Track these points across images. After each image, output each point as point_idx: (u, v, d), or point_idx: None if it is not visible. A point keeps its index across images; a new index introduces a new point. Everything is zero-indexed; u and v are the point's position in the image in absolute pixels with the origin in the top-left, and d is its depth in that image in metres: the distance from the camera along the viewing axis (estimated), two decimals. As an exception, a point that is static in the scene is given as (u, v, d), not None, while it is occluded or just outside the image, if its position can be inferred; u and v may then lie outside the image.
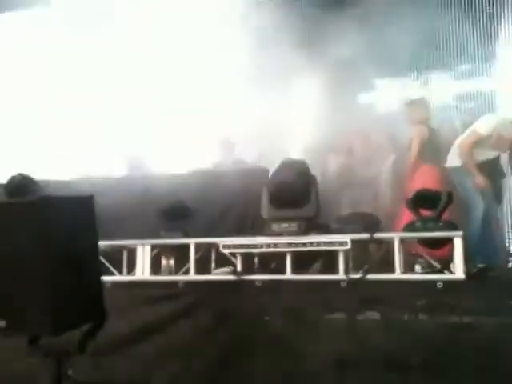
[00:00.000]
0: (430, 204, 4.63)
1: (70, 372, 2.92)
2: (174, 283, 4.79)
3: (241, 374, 3.81)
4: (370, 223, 4.95)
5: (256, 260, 4.94)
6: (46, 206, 2.91)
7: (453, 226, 4.51)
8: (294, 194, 5.02)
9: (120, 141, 7.14)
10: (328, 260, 4.75)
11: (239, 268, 4.75)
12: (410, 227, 4.66)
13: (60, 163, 7.38)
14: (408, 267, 4.64)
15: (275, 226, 4.91)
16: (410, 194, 4.84)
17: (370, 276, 4.45)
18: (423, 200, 4.67)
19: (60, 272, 2.89)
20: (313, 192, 5.10)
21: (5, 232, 2.85)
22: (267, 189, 5.12)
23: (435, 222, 4.54)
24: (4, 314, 2.80)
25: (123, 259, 5.25)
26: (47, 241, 2.85)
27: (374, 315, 4.26)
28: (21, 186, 5.36)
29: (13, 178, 5.50)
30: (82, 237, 3.10)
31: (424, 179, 5.23)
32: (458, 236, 4.37)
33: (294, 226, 4.84)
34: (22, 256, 2.82)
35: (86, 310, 3.06)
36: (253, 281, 4.64)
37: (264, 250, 4.74)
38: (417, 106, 5.61)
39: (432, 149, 5.44)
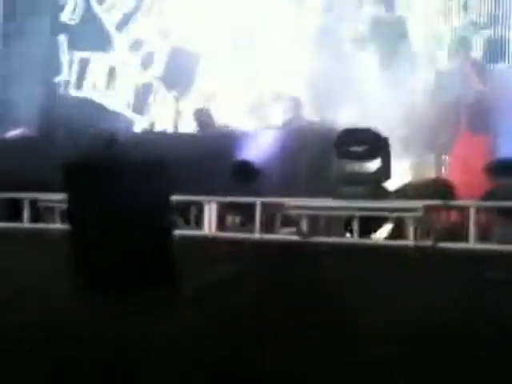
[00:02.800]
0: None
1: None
2: (240, 241, 4.80)
3: (297, 336, 3.78)
4: (443, 190, 4.74)
5: (322, 222, 4.87)
6: (125, 168, 2.97)
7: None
8: (364, 157, 4.89)
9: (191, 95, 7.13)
10: (397, 226, 4.61)
11: (305, 229, 4.71)
12: (488, 196, 4.43)
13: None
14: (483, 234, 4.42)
15: (344, 189, 4.80)
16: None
17: (441, 244, 4.29)
18: (505, 168, 4.41)
19: (136, 233, 2.95)
20: (384, 153, 4.93)
21: (89, 190, 2.93)
22: (336, 146, 4.99)
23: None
24: (85, 272, 2.90)
25: (191, 215, 5.33)
26: (124, 199, 2.91)
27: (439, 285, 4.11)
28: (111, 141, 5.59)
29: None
30: (159, 198, 3.14)
31: None
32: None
33: (363, 189, 4.71)
34: (104, 212, 2.89)
35: (159, 272, 3.12)
36: (317, 243, 4.58)
37: (332, 212, 4.66)
38: None
39: None
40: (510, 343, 3.13)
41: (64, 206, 4.37)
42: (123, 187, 2.92)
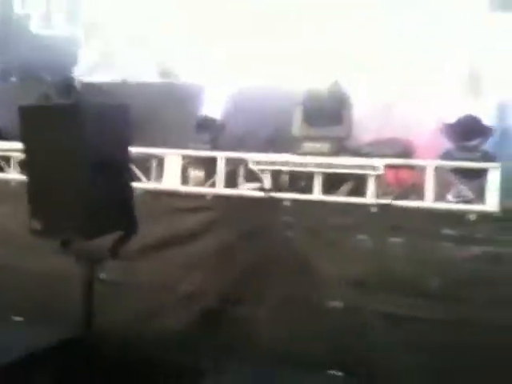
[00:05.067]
0: (471, 133, 4.47)
1: (102, 275, 2.98)
2: (202, 195, 4.79)
3: (259, 292, 3.87)
4: (404, 149, 4.84)
5: (284, 178, 4.89)
6: (82, 111, 2.88)
7: (490, 157, 4.38)
8: (327, 112, 4.91)
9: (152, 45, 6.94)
10: (358, 184, 4.68)
11: (267, 185, 4.72)
12: (445, 156, 4.54)
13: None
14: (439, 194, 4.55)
15: (306, 146, 4.83)
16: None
17: (400, 202, 4.39)
18: (463, 128, 4.52)
19: (94, 177, 2.89)
20: (346, 112, 4.97)
21: (43, 134, 2.83)
22: (301, 106, 5.00)
23: (473, 153, 4.41)
24: (40, 216, 2.84)
25: (152, 167, 5.26)
26: (82, 146, 2.84)
27: (399, 241, 4.26)
28: (67, 87, 5.37)
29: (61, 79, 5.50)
30: (117, 144, 3.08)
31: None
32: (493, 167, 4.24)
33: (325, 146, 4.75)
34: (60, 159, 2.82)
35: (117, 217, 3.08)
36: (280, 199, 4.62)
37: (293, 168, 4.68)
38: None
39: None
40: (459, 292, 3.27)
41: (21, 155, 4.23)
42: (82, 131, 2.85)
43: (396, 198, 4.40)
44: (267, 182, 4.73)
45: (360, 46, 6.20)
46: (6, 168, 5.33)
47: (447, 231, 3.99)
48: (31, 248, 3.50)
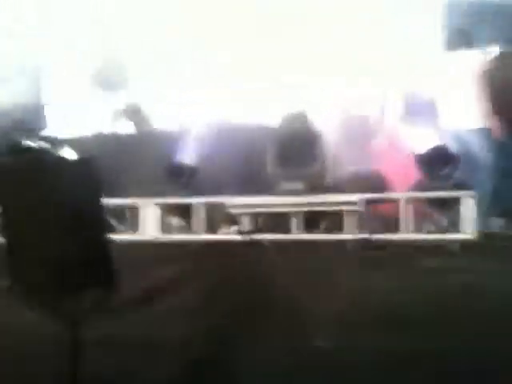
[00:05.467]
0: (442, 163, 4.56)
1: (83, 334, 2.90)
2: (181, 243, 4.76)
3: (247, 335, 3.83)
4: (378, 182, 4.90)
5: (261, 220, 4.91)
6: (46, 167, 2.86)
7: (464, 185, 4.45)
8: (300, 152, 4.97)
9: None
10: (335, 219, 4.71)
11: (246, 228, 4.72)
12: (418, 187, 4.61)
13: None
14: (416, 225, 4.61)
15: (281, 185, 4.87)
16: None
17: (377, 236, 4.43)
18: (435, 158, 4.60)
19: (66, 234, 2.85)
20: (318, 149, 5.04)
21: (11, 192, 2.80)
22: (272, 146, 5.06)
23: (445, 182, 4.49)
24: (13, 274, 2.78)
25: (127, 218, 5.23)
26: (50, 201, 2.80)
27: (380, 275, 4.26)
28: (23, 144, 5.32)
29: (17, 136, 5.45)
30: (87, 197, 3.04)
31: None
32: (468, 196, 4.32)
33: (301, 185, 4.79)
34: (30, 216, 2.78)
35: (94, 273, 3.03)
36: (259, 241, 4.62)
37: (271, 210, 4.70)
38: None
39: None
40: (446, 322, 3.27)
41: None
42: (53, 188, 2.83)
43: (373, 232, 4.44)
44: (246, 225, 4.74)
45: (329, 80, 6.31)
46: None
47: (426, 262, 4.02)
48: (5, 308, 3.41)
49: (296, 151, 5.02)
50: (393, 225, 4.56)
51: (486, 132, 4.98)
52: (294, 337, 3.90)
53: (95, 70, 7.00)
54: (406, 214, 4.44)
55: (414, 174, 4.88)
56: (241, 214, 4.75)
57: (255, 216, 4.81)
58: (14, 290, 2.93)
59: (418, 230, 4.57)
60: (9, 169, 3.14)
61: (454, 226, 4.39)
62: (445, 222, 4.49)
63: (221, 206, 4.92)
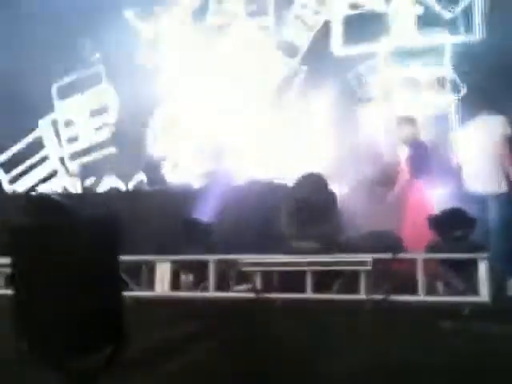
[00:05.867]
0: (456, 224, 4.55)
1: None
2: (194, 300, 4.75)
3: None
4: (392, 242, 4.88)
5: (274, 278, 4.89)
6: (71, 229, 2.92)
7: (479, 247, 4.42)
8: (314, 211, 4.99)
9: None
10: (350, 278, 4.68)
11: (259, 286, 4.71)
12: (432, 248, 4.59)
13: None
14: (430, 286, 4.56)
15: (296, 244, 4.87)
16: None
17: (393, 297, 4.38)
18: (449, 220, 4.60)
19: (83, 292, 2.87)
20: (333, 209, 5.06)
21: (33, 252, 2.85)
22: (286, 205, 5.09)
23: (459, 243, 4.46)
24: (27, 336, 2.79)
25: (142, 274, 5.24)
26: (71, 261, 2.84)
27: (394, 336, 4.18)
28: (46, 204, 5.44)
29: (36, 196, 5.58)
30: (105, 258, 3.08)
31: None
32: (481, 258, 4.28)
33: (314, 244, 4.79)
34: (48, 276, 2.81)
35: (108, 331, 3.03)
36: (272, 300, 4.59)
37: (284, 268, 4.69)
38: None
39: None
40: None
41: (8, 270, 4.22)
42: (69, 248, 2.87)
43: (388, 293, 4.39)
44: (258, 283, 4.73)
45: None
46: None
47: (442, 324, 3.95)
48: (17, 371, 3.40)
49: (310, 210, 5.05)
50: (407, 286, 4.51)
51: (504, 196, 5.00)
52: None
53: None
54: (420, 275, 4.41)
55: (429, 234, 4.86)
56: (254, 272, 4.75)
57: (268, 274, 4.80)
58: (25, 352, 2.92)
59: (433, 291, 4.53)
60: (24, 228, 3.20)
61: (470, 289, 4.34)
62: (460, 284, 4.44)
63: (234, 263, 4.93)
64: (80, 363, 2.80)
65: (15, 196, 7.05)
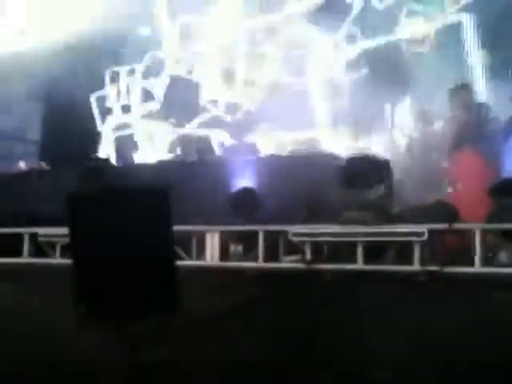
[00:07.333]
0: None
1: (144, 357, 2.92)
2: (242, 270, 4.75)
3: (304, 367, 3.70)
4: (448, 212, 4.71)
5: (326, 249, 4.82)
6: (127, 196, 2.95)
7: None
8: (364, 179, 4.87)
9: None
10: (402, 249, 4.55)
11: (308, 257, 4.65)
12: (492, 217, 4.39)
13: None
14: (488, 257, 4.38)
15: (347, 214, 4.77)
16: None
17: (448, 269, 4.23)
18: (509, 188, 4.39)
19: (137, 259, 2.91)
20: (386, 178, 4.92)
21: (90, 220, 2.91)
22: (336, 174, 5.00)
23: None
24: (86, 300, 2.87)
25: (192, 245, 5.27)
26: (127, 229, 2.88)
27: (449, 310, 4.05)
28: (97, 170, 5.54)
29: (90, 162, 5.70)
30: (159, 227, 3.10)
31: None
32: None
33: (366, 214, 4.67)
34: (106, 244, 2.87)
35: (161, 298, 3.08)
36: (322, 271, 4.52)
37: (335, 239, 4.61)
38: None
39: None
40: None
41: (65, 240, 4.32)
42: (123, 217, 2.90)
43: (444, 265, 4.24)
44: (308, 254, 4.66)
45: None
46: (52, 253, 5.43)
47: (499, 296, 3.79)
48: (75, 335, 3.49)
49: (361, 179, 4.93)
50: (462, 257, 4.35)
51: None
52: (352, 368, 3.74)
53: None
54: (476, 246, 4.23)
55: (486, 203, 4.67)
56: (303, 243, 4.68)
57: (319, 244, 4.73)
58: (84, 315, 3.00)
59: (489, 263, 4.35)
60: (81, 195, 3.26)
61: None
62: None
63: (284, 233, 4.88)
64: (136, 327, 2.86)
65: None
